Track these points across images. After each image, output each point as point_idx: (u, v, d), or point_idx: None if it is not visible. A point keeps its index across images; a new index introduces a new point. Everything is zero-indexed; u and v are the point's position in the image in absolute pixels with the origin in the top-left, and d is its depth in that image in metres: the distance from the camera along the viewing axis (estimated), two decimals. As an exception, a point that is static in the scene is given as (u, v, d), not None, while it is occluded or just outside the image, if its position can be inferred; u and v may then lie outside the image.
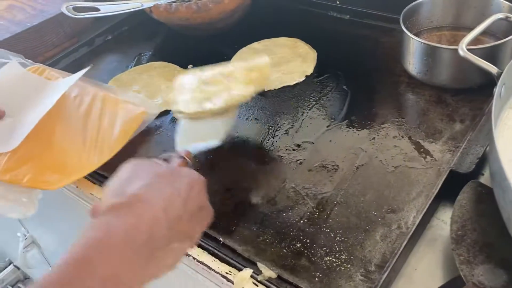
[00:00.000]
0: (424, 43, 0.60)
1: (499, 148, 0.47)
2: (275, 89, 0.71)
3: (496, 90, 0.47)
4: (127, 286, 0.33)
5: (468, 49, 0.54)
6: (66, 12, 0.69)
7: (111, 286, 0.32)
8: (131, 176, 0.39)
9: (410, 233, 0.45)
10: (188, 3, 0.76)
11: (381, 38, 0.76)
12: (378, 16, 0.79)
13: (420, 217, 0.47)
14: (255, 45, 0.80)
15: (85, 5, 0.71)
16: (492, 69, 0.50)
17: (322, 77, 0.71)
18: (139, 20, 0.90)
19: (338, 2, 0.84)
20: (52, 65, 0.82)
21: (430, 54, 0.60)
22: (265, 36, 0.81)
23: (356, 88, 0.68)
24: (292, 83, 0.71)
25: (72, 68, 0.83)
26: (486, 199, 0.46)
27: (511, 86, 0.51)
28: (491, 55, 0.58)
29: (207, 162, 0.60)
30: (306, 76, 0.72)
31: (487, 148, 0.51)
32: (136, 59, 0.83)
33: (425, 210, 0.47)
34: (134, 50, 0.86)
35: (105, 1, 0.79)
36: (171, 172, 0.41)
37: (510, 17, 0.56)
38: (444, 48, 0.59)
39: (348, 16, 0.83)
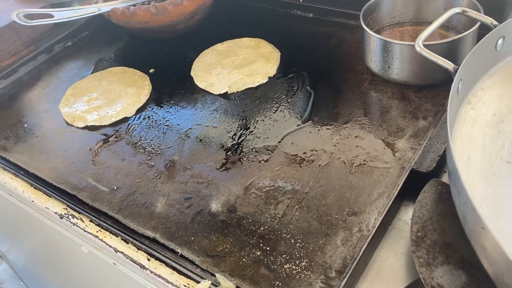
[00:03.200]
0: (383, 40, 0.59)
1: (456, 146, 0.47)
2: (238, 91, 0.69)
3: (453, 86, 0.46)
4: None
5: (425, 45, 0.53)
6: (17, 20, 0.66)
7: None
8: None
9: (370, 237, 0.44)
10: (146, 6, 0.74)
11: (345, 36, 0.75)
12: (341, 13, 0.78)
13: (380, 219, 0.45)
14: (218, 46, 0.78)
15: (38, 12, 0.68)
16: (448, 65, 0.49)
17: (285, 78, 0.70)
18: (100, 25, 0.88)
19: (301, 0, 0.82)
20: (10, 74, 0.79)
21: (389, 50, 0.59)
22: (228, 36, 0.80)
23: (319, 88, 0.67)
24: (255, 85, 0.69)
25: (30, 77, 0.81)
26: (447, 198, 0.45)
27: (468, 82, 0.51)
28: (450, 50, 0.57)
29: (167, 170, 0.58)
30: (269, 77, 0.70)
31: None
32: (96, 65, 0.81)
33: (385, 211, 0.46)
34: (95, 55, 0.84)
35: (61, 7, 0.77)
36: None
37: (467, 11, 0.55)
38: (402, 44, 0.58)
39: (311, 14, 0.82)
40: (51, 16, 0.69)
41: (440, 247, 0.43)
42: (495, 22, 0.53)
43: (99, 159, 0.62)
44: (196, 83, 0.72)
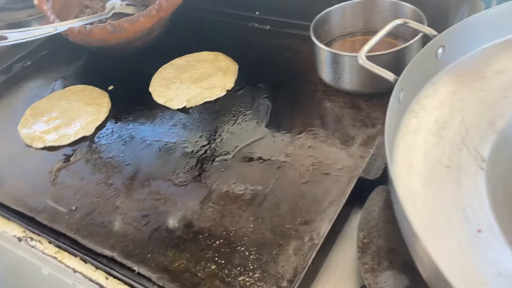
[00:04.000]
0: (330, 51, 0.61)
1: (399, 153, 0.49)
2: (196, 105, 0.70)
3: (393, 96, 0.48)
4: None
5: (370, 56, 0.55)
6: (-31, 43, 0.66)
7: None
8: None
9: (319, 245, 0.46)
10: (103, 24, 0.74)
11: (300, 47, 0.77)
12: (297, 25, 0.80)
13: (329, 228, 0.47)
14: (177, 61, 0.79)
15: (-10, 34, 0.69)
16: (389, 76, 0.51)
17: (243, 90, 0.71)
18: (59, 43, 0.88)
19: (258, 13, 0.84)
20: (-34, 97, 0.79)
21: (339, 62, 0.61)
22: (187, 51, 0.81)
23: (276, 100, 0.68)
24: (213, 98, 0.71)
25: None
26: (391, 204, 0.47)
27: (411, 91, 0.53)
28: (395, 59, 0.60)
29: (125, 188, 0.59)
30: (228, 90, 0.72)
31: (393, 153, 0.52)
32: (56, 84, 0.81)
33: (334, 219, 0.48)
34: (54, 74, 0.84)
35: (19, 26, 0.77)
36: None
37: (408, 23, 0.57)
38: (349, 55, 0.60)
39: (268, 26, 0.83)
40: (5, 38, 0.69)
41: (385, 252, 0.44)
42: (434, 32, 0.55)
43: (58, 180, 0.62)
44: (154, 98, 0.72)
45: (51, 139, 0.68)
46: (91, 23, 0.78)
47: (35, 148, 0.69)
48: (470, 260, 0.39)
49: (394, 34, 0.68)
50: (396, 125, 0.50)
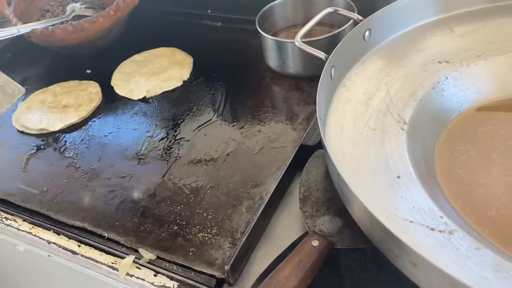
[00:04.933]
0: (273, 39, 0.69)
1: (332, 120, 0.56)
2: (156, 95, 0.76)
3: (324, 71, 0.55)
4: None
5: (307, 41, 0.63)
6: None
7: None
8: None
9: (266, 201, 0.53)
10: (64, 25, 0.80)
11: (249, 40, 0.84)
12: (246, 20, 0.87)
13: (274, 186, 0.54)
14: (136, 57, 0.85)
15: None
16: (321, 55, 0.59)
17: (198, 80, 0.78)
18: (22, 45, 0.92)
19: (209, 11, 0.91)
20: None
21: (282, 49, 0.69)
22: (144, 48, 0.87)
23: (229, 87, 0.75)
24: (171, 88, 0.77)
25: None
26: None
27: (342, 68, 0.60)
28: (329, 44, 0.67)
29: (92, 170, 0.64)
30: (184, 81, 0.78)
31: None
32: (21, 84, 0.85)
33: (278, 180, 0.55)
34: (19, 75, 0.88)
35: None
36: None
37: (339, 10, 0.65)
38: (290, 42, 0.67)
39: (220, 23, 0.90)
40: (-31, 40, 0.73)
41: (322, 202, 0.52)
42: (361, 18, 0.63)
43: (28, 167, 0.67)
44: (116, 91, 0.78)
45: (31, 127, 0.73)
46: (53, 25, 0.83)
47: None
48: (390, 199, 0.46)
49: (330, 24, 0.76)
50: (330, 98, 0.58)
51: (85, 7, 0.89)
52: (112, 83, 0.80)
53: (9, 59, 0.93)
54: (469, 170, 0.53)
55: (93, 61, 0.87)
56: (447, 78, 0.60)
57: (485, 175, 0.52)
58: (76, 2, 0.90)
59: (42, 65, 0.90)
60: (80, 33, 0.80)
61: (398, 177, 0.49)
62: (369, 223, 0.41)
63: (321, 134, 0.47)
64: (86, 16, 0.88)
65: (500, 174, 0.52)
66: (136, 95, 0.76)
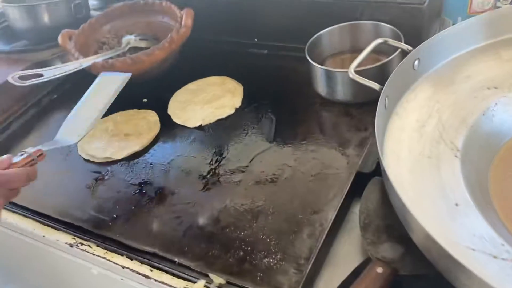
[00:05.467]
0: (324, 69, 0.72)
1: (388, 148, 0.59)
2: (210, 123, 0.80)
3: (380, 102, 0.58)
4: None
5: (358, 71, 0.66)
6: (13, 82, 0.76)
7: None
8: None
9: (328, 228, 0.55)
10: (122, 58, 0.85)
11: (296, 67, 0.87)
12: (291, 47, 0.91)
13: (335, 214, 0.57)
14: (189, 86, 0.90)
15: (30, 73, 0.78)
16: (376, 86, 0.61)
17: (250, 107, 0.82)
18: (81, 76, 0.97)
19: (256, 40, 0.95)
20: (3, 130, 0.89)
21: (331, 77, 0.72)
22: (197, 76, 0.91)
23: (280, 114, 0.78)
24: (224, 116, 0.81)
25: (22, 132, 0.90)
26: (385, 190, 0.57)
27: (395, 97, 0.63)
28: (379, 72, 0.70)
29: (157, 197, 0.68)
30: (236, 109, 0.82)
31: (384, 150, 0.62)
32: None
33: (338, 207, 0.58)
34: (79, 105, 0.94)
35: (45, 65, 0.87)
36: None
37: (388, 41, 0.68)
38: (340, 71, 0.70)
39: (266, 51, 0.94)
40: (41, 75, 0.79)
41: (382, 228, 0.54)
42: (410, 48, 0.66)
43: (97, 194, 0.72)
44: (173, 119, 0.82)
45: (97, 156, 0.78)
46: (111, 58, 0.88)
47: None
48: (450, 226, 0.49)
49: (377, 51, 0.78)
50: (384, 126, 0.60)
51: (140, 39, 0.94)
52: (169, 112, 0.84)
53: (70, 89, 0.99)
54: (523, 195, 0.54)
55: (149, 90, 0.92)
56: (496, 104, 0.62)
57: (540, 201, 0.53)
58: (130, 35, 0.96)
59: (101, 94, 0.96)
60: (138, 65, 0.85)
61: (456, 204, 0.51)
62: (436, 252, 0.44)
63: (382, 165, 0.50)
64: (141, 48, 0.93)
65: (554, 199, 0.53)
66: (192, 123, 0.80)
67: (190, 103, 0.85)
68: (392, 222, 0.54)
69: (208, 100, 0.84)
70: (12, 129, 0.90)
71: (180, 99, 0.86)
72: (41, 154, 0.62)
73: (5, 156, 0.60)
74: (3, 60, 0.99)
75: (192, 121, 0.81)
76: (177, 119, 0.82)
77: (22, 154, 0.61)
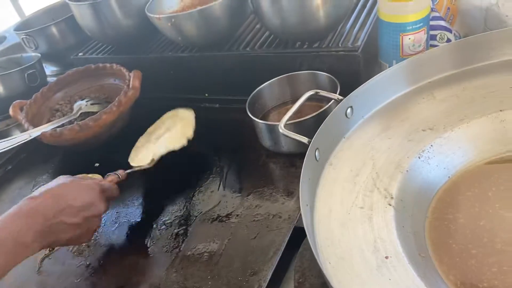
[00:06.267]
0: (263, 123, 0.72)
1: (320, 202, 0.58)
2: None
3: (307, 155, 0.57)
4: (28, 241, 0.56)
5: (291, 124, 0.67)
6: (-46, 160, 0.76)
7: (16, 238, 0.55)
8: (48, 184, 0.65)
9: (263, 289, 0.54)
10: (70, 126, 0.85)
11: (244, 119, 0.87)
12: (240, 100, 0.91)
13: (270, 273, 0.56)
14: (149, 129, 0.88)
15: (-26, 149, 0.78)
16: (304, 139, 0.61)
17: (200, 166, 0.81)
18: (35, 146, 0.97)
19: (206, 95, 0.96)
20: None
21: (272, 130, 0.72)
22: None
23: (228, 167, 0.78)
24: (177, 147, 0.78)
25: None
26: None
27: (328, 147, 0.63)
28: (316, 122, 0.70)
29: (99, 267, 0.67)
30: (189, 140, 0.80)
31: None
32: (36, 182, 0.91)
33: (274, 266, 0.56)
34: (34, 173, 0.93)
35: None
36: (71, 182, 0.65)
37: (319, 92, 0.68)
38: (275, 124, 0.70)
39: (217, 105, 0.95)
40: (-13, 150, 0.79)
41: (317, 287, 0.53)
42: (340, 97, 0.66)
43: (43, 268, 0.71)
44: (130, 164, 0.81)
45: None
46: (62, 125, 0.88)
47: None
48: (379, 283, 0.47)
49: (318, 99, 0.78)
50: (317, 179, 0.60)
51: (91, 104, 0.95)
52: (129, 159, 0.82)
53: (24, 159, 0.99)
54: (459, 239, 0.54)
55: (100, 154, 0.92)
56: (432, 145, 0.62)
57: (475, 244, 0.52)
58: (82, 100, 0.96)
59: (54, 162, 0.96)
60: (86, 131, 0.85)
61: (386, 257, 0.50)
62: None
63: (304, 223, 0.49)
64: (93, 112, 0.94)
65: (489, 242, 0.52)
66: (144, 161, 0.78)
67: (146, 143, 0.84)
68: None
69: (160, 135, 0.84)
70: (-37, 207, 0.90)
71: (138, 144, 0.85)
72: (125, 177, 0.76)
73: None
74: (-41, 134, 1.00)
75: (144, 159, 0.79)
76: (132, 162, 0.80)
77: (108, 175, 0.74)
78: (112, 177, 0.74)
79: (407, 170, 0.60)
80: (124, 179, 0.75)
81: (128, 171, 0.76)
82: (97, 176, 0.80)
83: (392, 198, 0.57)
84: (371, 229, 0.53)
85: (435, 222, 0.56)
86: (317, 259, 0.45)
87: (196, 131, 0.87)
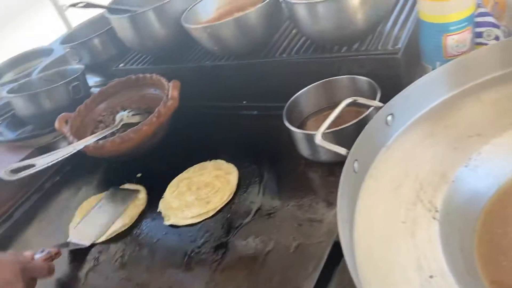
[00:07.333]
0: (300, 132, 0.71)
1: (361, 217, 0.56)
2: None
3: (345, 168, 0.56)
4: None
5: (330, 132, 0.64)
6: (4, 177, 0.78)
7: None
8: None
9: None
10: (112, 138, 0.87)
11: (283, 126, 0.86)
12: (279, 107, 0.90)
13: (311, 289, 0.54)
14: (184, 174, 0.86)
15: (21, 165, 0.81)
16: (342, 151, 0.59)
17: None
18: (79, 158, 1.00)
19: (245, 102, 0.95)
20: (7, 219, 0.92)
21: (309, 139, 0.70)
22: (190, 145, 0.93)
23: (266, 176, 0.77)
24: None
25: (25, 219, 0.92)
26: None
27: (367, 158, 0.61)
28: (357, 129, 0.67)
29: (141, 281, 0.68)
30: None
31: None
32: (79, 194, 0.93)
33: (315, 282, 0.55)
34: (80, 184, 0.96)
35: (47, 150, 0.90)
36: None
37: (358, 100, 0.66)
38: (312, 134, 0.68)
39: (256, 112, 0.94)
40: (33, 165, 0.82)
41: (360, 304, 0.51)
42: (380, 105, 0.64)
43: (87, 282, 0.72)
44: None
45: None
46: (104, 137, 0.90)
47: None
48: (422, 304, 0.45)
49: (358, 105, 0.76)
50: (357, 192, 0.58)
51: (132, 115, 0.97)
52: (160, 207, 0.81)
53: (70, 171, 1.02)
54: (511, 256, 0.50)
55: (143, 163, 0.93)
56: (480, 153, 0.58)
57: (529, 262, 0.49)
58: (124, 110, 0.98)
59: (98, 172, 0.98)
60: (127, 143, 0.87)
61: (431, 276, 0.47)
62: None
63: (342, 244, 0.48)
64: (134, 123, 0.95)
65: (545, 260, 0.49)
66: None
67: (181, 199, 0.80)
68: (368, 298, 0.51)
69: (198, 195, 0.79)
70: (15, 218, 0.93)
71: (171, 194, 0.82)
72: (57, 253, 0.73)
73: (27, 251, 0.70)
74: (9, 148, 1.04)
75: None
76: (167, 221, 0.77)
77: (42, 251, 0.71)
78: (45, 256, 0.71)
79: (453, 181, 0.57)
80: (57, 257, 0.73)
81: (63, 248, 0.76)
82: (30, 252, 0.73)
83: (436, 211, 0.54)
84: (415, 245, 0.51)
85: (485, 237, 0.53)
86: (355, 281, 0.43)
87: (235, 140, 0.88)
